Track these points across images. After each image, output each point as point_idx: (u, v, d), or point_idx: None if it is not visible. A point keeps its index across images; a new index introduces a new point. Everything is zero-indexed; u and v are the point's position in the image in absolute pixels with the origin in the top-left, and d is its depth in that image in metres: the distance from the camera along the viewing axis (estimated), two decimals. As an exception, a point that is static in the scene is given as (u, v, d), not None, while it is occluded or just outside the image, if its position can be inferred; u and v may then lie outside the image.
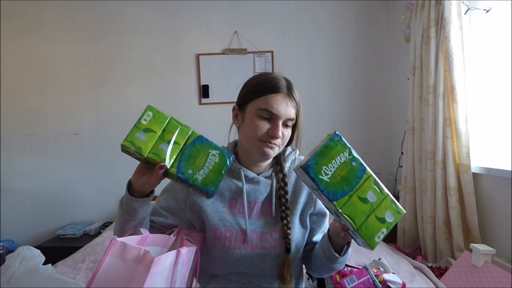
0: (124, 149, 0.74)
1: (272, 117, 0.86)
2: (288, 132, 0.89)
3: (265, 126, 0.86)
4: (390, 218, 0.75)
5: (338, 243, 0.86)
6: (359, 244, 0.79)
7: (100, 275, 0.66)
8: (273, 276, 0.93)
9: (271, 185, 0.94)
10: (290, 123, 0.89)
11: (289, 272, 0.90)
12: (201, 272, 0.98)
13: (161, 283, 0.70)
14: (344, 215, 0.73)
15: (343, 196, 0.74)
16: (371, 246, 0.74)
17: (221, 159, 0.78)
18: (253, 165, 0.95)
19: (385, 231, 0.75)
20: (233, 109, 0.96)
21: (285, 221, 0.91)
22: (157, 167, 0.74)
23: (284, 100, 0.87)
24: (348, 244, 0.87)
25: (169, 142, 0.75)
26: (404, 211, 0.77)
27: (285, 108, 0.86)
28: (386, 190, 0.76)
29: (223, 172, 0.78)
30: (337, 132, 0.76)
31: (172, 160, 0.75)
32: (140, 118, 0.75)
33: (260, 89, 0.88)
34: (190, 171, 0.76)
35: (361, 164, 0.76)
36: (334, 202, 0.73)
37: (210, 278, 0.97)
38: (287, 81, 0.91)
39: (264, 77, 0.92)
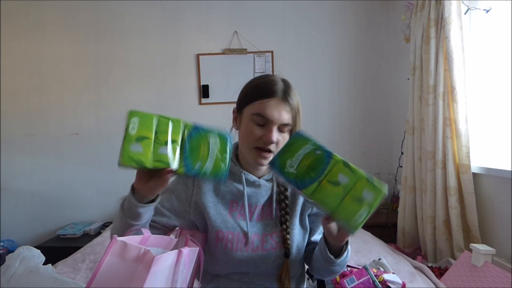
0: (124, 166, 0.70)
1: (266, 122, 0.85)
2: (284, 137, 0.87)
3: (259, 132, 0.85)
4: (368, 196, 0.71)
5: (334, 244, 0.84)
6: (346, 230, 0.76)
7: (101, 275, 0.65)
8: (274, 275, 0.94)
9: (272, 188, 0.94)
10: (285, 129, 0.87)
11: (287, 276, 0.91)
12: (203, 271, 0.98)
13: (162, 282, 0.69)
14: (316, 201, 0.73)
15: (312, 183, 0.73)
16: (351, 228, 0.71)
17: (222, 144, 0.77)
18: (253, 168, 0.94)
19: (366, 211, 0.70)
20: (233, 111, 0.95)
21: (285, 226, 0.91)
22: (164, 174, 0.72)
23: (278, 105, 0.85)
24: (346, 245, 0.86)
25: (166, 143, 0.71)
26: (385, 186, 0.73)
27: (279, 113, 0.84)
28: (360, 171, 0.73)
29: (227, 156, 0.77)
30: (297, 131, 0.80)
31: (176, 160, 0.72)
32: (127, 128, 0.69)
33: (255, 94, 0.87)
34: (198, 165, 0.74)
35: (326, 151, 0.75)
36: (303, 190, 0.73)
37: (211, 277, 0.97)
38: (285, 84, 0.88)
39: (261, 80, 0.90)
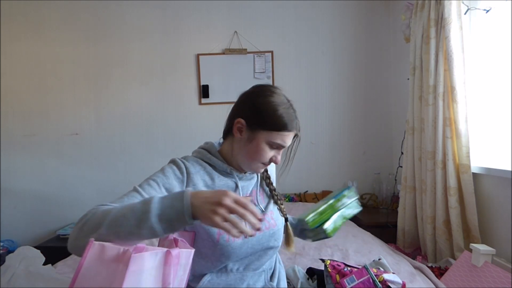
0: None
1: (278, 148, 0.96)
2: None
3: (270, 153, 0.95)
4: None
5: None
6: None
7: (80, 280, 0.63)
8: (267, 254, 1.02)
9: (256, 179, 1.07)
10: None
11: (290, 237, 1.06)
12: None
13: (147, 283, 0.66)
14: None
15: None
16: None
17: None
18: (240, 166, 1.02)
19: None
20: (238, 122, 0.94)
21: (276, 198, 1.08)
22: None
23: (292, 136, 0.97)
24: None
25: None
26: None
27: (290, 141, 0.97)
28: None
29: None
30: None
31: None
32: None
33: (279, 125, 0.92)
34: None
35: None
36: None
37: (200, 278, 0.96)
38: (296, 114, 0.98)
39: (284, 110, 0.92)
